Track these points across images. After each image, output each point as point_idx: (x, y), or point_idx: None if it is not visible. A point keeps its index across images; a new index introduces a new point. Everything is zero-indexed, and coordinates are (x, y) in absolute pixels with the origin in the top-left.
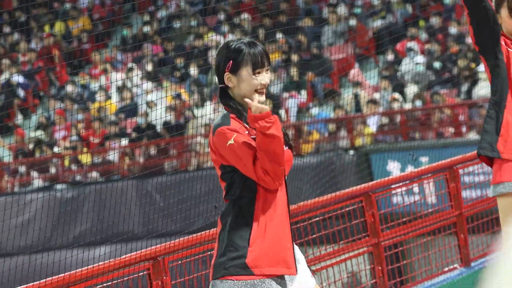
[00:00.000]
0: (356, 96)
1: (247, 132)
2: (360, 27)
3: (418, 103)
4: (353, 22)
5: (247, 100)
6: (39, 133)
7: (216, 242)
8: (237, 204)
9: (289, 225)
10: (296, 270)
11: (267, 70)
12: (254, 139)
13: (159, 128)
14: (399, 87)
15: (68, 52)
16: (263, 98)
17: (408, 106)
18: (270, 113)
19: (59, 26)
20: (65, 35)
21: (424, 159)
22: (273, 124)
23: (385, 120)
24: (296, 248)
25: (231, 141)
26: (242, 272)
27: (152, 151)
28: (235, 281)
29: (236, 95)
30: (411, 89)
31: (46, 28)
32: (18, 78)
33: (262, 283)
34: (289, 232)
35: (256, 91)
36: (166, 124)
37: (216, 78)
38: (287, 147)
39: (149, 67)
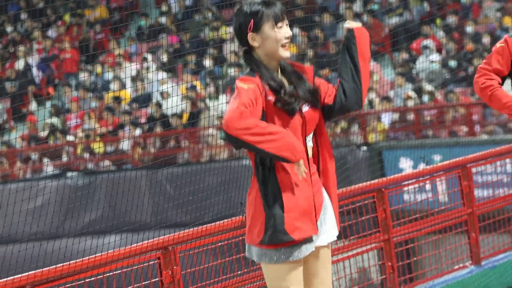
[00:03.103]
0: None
1: (264, 93)
2: (375, 23)
3: (425, 98)
4: (368, 18)
5: None
6: (53, 120)
7: (247, 208)
8: (261, 171)
9: (311, 182)
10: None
11: (287, 24)
12: (267, 100)
13: (172, 119)
14: (417, 87)
15: (84, 40)
16: (288, 53)
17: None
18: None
19: (76, 15)
20: (82, 24)
21: (437, 157)
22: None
23: (398, 117)
24: (326, 198)
25: (243, 85)
26: (283, 238)
27: (165, 141)
28: (276, 249)
29: (262, 55)
30: (427, 87)
31: (65, 16)
32: (34, 65)
33: (300, 247)
34: (311, 190)
35: (282, 46)
36: (179, 115)
37: (238, 42)
38: (309, 107)
39: (164, 58)
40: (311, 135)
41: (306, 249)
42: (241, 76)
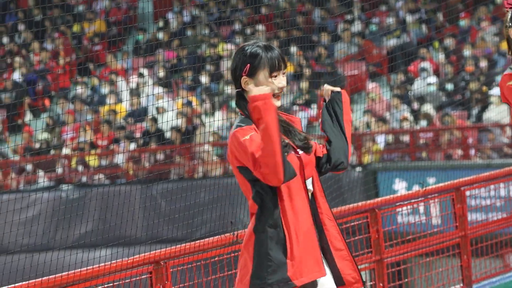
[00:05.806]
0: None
1: None
2: (367, 44)
3: (423, 122)
4: (364, 39)
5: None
6: (47, 133)
7: (245, 251)
8: (264, 215)
9: (313, 225)
10: (325, 269)
11: (284, 73)
12: None
13: (167, 134)
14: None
15: (82, 53)
16: (279, 103)
17: (417, 126)
18: (269, 96)
19: (74, 28)
20: (80, 37)
21: (431, 179)
22: (268, 108)
23: (393, 139)
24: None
25: (247, 137)
26: (285, 286)
27: (159, 156)
28: None
29: None
30: (425, 108)
31: (62, 28)
32: (29, 77)
33: None
34: (315, 234)
35: (273, 95)
36: (178, 129)
37: (233, 82)
38: (302, 152)
39: (161, 73)
40: (310, 180)
41: None
42: (239, 127)
